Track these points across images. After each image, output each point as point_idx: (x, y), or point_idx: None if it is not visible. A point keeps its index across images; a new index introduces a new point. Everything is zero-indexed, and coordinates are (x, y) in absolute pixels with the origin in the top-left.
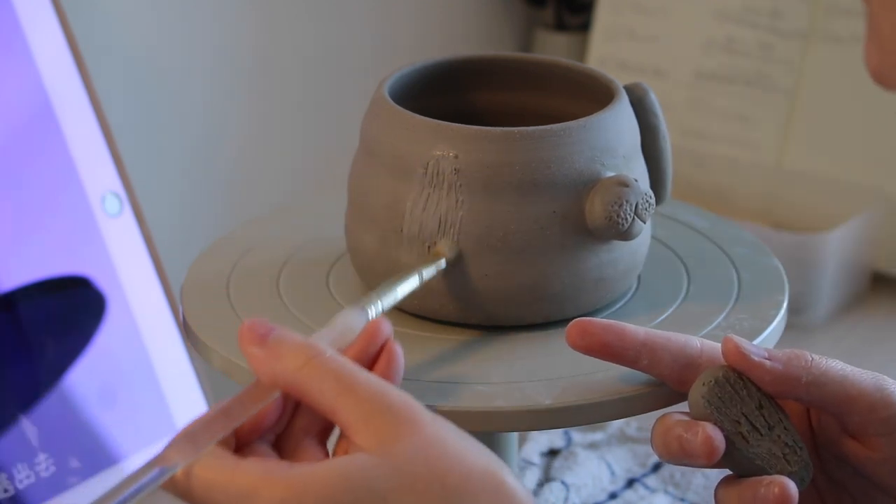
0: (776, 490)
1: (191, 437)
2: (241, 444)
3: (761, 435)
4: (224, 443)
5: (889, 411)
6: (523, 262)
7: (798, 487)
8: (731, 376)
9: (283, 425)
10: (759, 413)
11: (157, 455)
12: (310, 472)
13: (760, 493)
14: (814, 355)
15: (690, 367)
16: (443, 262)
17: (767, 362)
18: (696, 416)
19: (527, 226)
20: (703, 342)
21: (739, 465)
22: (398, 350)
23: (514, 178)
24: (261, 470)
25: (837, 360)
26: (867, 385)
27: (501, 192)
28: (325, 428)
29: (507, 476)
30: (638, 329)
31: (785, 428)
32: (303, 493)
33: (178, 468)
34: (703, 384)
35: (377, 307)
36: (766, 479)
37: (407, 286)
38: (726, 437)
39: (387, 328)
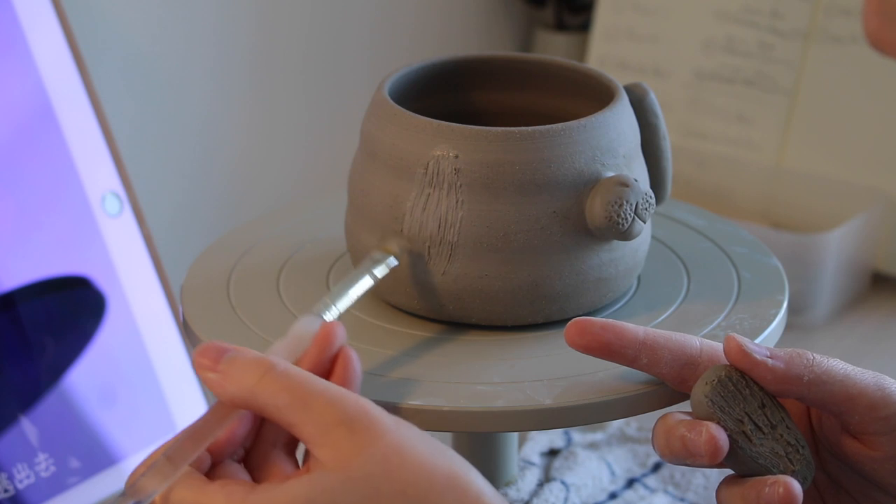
0: (781, 490)
1: (169, 459)
2: (215, 461)
3: (764, 434)
4: (198, 462)
5: (889, 410)
6: (523, 262)
7: (801, 486)
8: (734, 375)
9: (252, 438)
10: (762, 412)
11: (130, 485)
12: (272, 496)
13: (765, 493)
14: (815, 354)
15: (690, 365)
16: (393, 260)
17: (769, 361)
18: (698, 415)
19: (527, 226)
20: (702, 341)
21: (742, 464)
22: (353, 356)
23: (515, 177)
24: (223, 494)
25: (838, 360)
26: (868, 384)
27: (502, 191)
28: (292, 438)
29: (473, 478)
30: (637, 328)
31: (787, 427)
32: None
33: (155, 495)
34: (706, 383)
35: (332, 312)
36: (771, 478)
37: (360, 287)
38: (729, 437)
39: (340, 332)
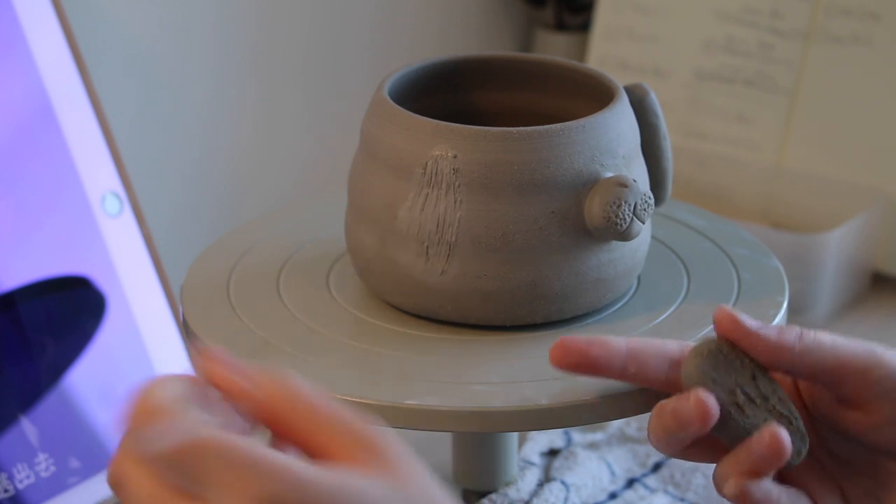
0: (766, 438)
1: None
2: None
3: (756, 405)
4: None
5: (882, 371)
6: (522, 262)
7: (794, 460)
8: (724, 347)
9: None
10: (754, 383)
11: None
12: (326, 475)
13: (753, 445)
14: (804, 328)
15: (676, 365)
16: None
17: (761, 331)
18: (690, 387)
19: (525, 226)
20: (681, 343)
21: (736, 437)
22: None
23: (513, 178)
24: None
25: (828, 332)
26: (857, 349)
27: (500, 191)
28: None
29: None
30: (618, 338)
31: (780, 398)
32: (313, 494)
33: None
34: (697, 354)
35: None
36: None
37: None
38: (722, 408)
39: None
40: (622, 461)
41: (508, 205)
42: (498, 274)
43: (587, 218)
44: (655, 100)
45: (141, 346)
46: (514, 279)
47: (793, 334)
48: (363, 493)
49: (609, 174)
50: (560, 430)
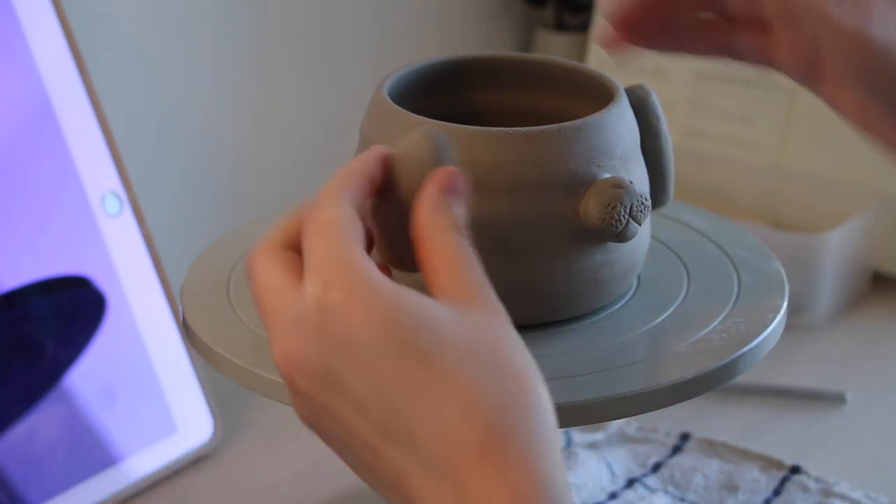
0: None
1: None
2: None
3: None
4: None
5: None
6: (517, 263)
7: None
8: None
9: None
10: None
11: None
12: (396, 289)
13: None
14: None
15: None
16: None
17: None
18: None
19: (521, 226)
20: None
21: None
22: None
23: (508, 178)
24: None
25: None
26: None
27: (495, 192)
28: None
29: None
30: None
31: None
32: (371, 298)
33: None
34: None
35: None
36: None
37: None
38: None
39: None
40: (622, 461)
41: (503, 205)
42: (493, 274)
43: (583, 219)
44: (657, 101)
45: (141, 346)
46: (509, 280)
47: None
48: (423, 309)
49: (606, 175)
50: (560, 430)
